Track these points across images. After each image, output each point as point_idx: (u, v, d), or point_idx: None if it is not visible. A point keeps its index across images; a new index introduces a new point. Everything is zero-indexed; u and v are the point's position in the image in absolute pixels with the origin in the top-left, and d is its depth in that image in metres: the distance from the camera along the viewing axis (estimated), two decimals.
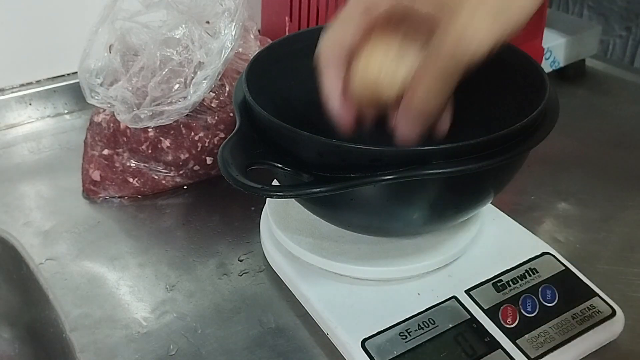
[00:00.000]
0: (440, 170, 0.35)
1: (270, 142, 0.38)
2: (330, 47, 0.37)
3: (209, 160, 0.57)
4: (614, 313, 0.43)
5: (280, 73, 0.47)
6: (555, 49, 0.74)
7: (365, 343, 0.40)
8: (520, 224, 0.50)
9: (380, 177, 0.34)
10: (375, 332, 0.41)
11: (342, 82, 0.38)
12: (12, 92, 0.70)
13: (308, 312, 0.44)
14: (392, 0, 0.35)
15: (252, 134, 0.39)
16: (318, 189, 0.35)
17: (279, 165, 0.37)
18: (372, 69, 0.36)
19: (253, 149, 0.38)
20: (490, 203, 0.48)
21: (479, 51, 0.31)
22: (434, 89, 0.34)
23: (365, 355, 0.39)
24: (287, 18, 0.71)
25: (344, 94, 0.38)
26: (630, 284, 0.48)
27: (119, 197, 0.57)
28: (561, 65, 0.76)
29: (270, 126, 0.38)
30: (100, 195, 0.57)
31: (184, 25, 0.54)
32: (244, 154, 0.37)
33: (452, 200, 0.39)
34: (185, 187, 0.58)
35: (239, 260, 0.50)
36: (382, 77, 0.36)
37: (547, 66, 0.74)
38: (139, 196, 0.57)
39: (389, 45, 0.36)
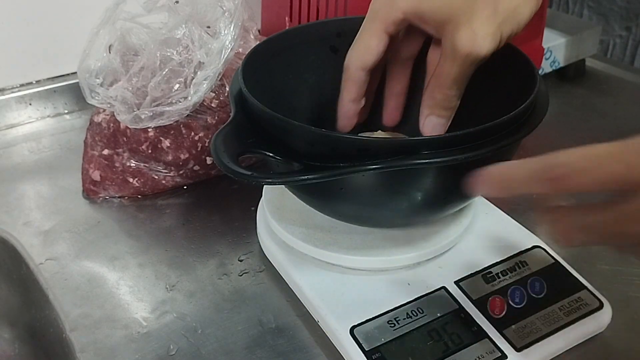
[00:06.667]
0: (426, 161, 0.35)
1: (263, 132, 0.39)
2: (353, 63, 0.41)
3: (209, 160, 0.57)
4: (601, 305, 0.43)
5: (277, 67, 0.48)
6: (555, 49, 0.74)
7: (354, 330, 0.41)
8: (521, 223, 0.50)
9: (367, 167, 0.35)
10: (364, 320, 0.42)
11: (358, 95, 0.43)
12: (12, 92, 0.70)
13: (307, 310, 0.45)
14: (406, 7, 0.38)
15: (245, 124, 0.40)
16: (306, 177, 0.36)
17: (270, 154, 0.38)
18: None
19: (246, 138, 0.39)
20: (485, 197, 0.48)
21: (488, 52, 0.37)
22: (454, 85, 0.39)
23: (354, 342, 0.40)
24: (287, 18, 0.71)
25: (356, 102, 0.43)
26: (631, 284, 0.48)
27: (119, 197, 0.57)
28: (561, 65, 0.76)
29: (262, 116, 0.39)
30: (100, 195, 0.57)
31: (184, 26, 0.54)
32: (236, 142, 0.38)
33: (440, 191, 0.40)
34: (185, 187, 0.58)
35: (239, 260, 0.50)
36: None
37: (547, 66, 0.74)
38: (139, 196, 0.57)
39: None
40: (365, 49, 0.40)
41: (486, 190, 0.33)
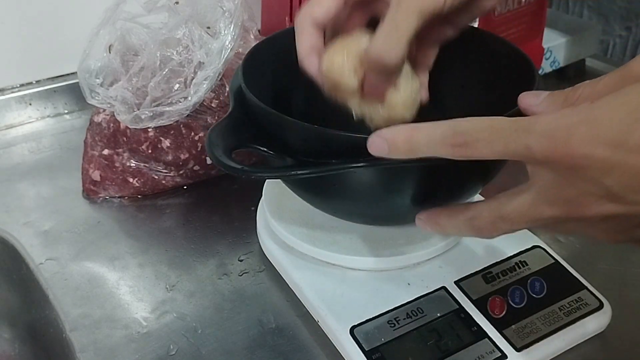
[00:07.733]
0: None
1: (259, 127, 0.40)
2: (302, 17, 0.41)
3: (209, 160, 0.57)
4: (601, 305, 0.43)
5: (277, 65, 0.48)
6: (555, 49, 0.74)
7: (354, 330, 0.41)
8: None
9: (358, 164, 0.35)
10: (364, 320, 0.42)
11: (312, 46, 0.41)
12: (12, 92, 0.70)
13: (307, 310, 0.45)
14: None
15: (242, 119, 0.41)
16: (296, 172, 0.37)
17: (264, 149, 0.39)
18: (335, 67, 0.39)
19: (241, 133, 0.39)
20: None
21: (437, 6, 0.36)
22: (393, 38, 0.36)
23: (354, 342, 0.40)
24: (287, 18, 0.71)
25: (314, 54, 0.41)
26: (631, 284, 0.48)
27: (119, 197, 0.57)
28: (561, 65, 0.76)
29: (259, 112, 0.39)
30: (100, 195, 0.57)
31: (184, 26, 0.54)
32: (231, 137, 0.39)
33: (433, 190, 0.40)
34: (185, 187, 0.58)
35: (239, 260, 0.50)
36: (344, 73, 0.39)
37: (547, 66, 0.75)
38: (139, 196, 0.57)
39: (349, 47, 0.39)
40: (318, 3, 0.40)
41: (392, 150, 0.33)
